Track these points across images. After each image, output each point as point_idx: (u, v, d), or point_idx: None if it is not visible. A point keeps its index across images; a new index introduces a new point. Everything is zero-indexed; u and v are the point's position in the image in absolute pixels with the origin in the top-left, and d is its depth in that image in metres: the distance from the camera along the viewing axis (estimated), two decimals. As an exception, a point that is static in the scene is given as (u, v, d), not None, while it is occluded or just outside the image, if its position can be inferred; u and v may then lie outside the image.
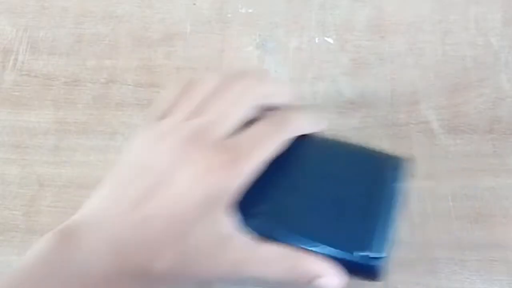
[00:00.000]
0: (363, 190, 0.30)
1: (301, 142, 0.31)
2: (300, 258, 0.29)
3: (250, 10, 0.44)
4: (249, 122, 0.30)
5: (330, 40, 0.42)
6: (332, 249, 0.29)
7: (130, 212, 0.28)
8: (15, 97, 0.41)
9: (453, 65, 0.41)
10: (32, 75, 0.42)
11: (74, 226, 0.28)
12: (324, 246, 0.29)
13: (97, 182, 0.38)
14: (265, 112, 0.32)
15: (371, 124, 0.39)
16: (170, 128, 0.30)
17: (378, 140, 0.38)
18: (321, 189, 0.31)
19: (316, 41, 0.42)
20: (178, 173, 0.28)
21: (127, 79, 0.42)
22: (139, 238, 0.27)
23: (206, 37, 0.43)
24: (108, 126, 0.40)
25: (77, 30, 0.44)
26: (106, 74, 0.42)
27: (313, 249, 0.29)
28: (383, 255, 0.28)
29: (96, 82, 0.42)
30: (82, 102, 0.41)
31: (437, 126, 0.39)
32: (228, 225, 0.29)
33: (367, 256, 0.28)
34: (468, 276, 0.34)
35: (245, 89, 0.32)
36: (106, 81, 0.42)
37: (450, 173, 0.37)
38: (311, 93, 0.40)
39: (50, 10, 0.45)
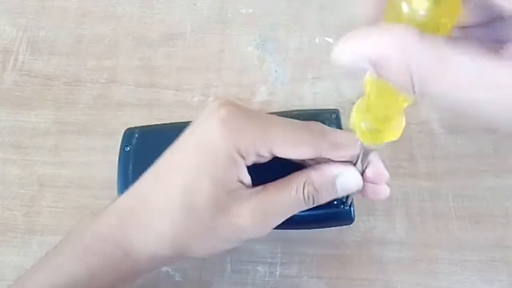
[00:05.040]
0: None
1: None
2: (310, 172, 0.29)
3: (250, 10, 0.44)
4: None
5: (330, 40, 0.42)
6: (312, 209, 0.30)
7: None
8: (15, 97, 0.41)
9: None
10: (32, 75, 0.42)
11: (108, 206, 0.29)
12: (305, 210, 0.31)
13: (97, 182, 0.38)
14: None
15: (371, 124, 0.39)
16: None
17: (378, 140, 0.38)
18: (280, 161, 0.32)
19: (316, 41, 0.42)
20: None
21: (127, 79, 0.42)
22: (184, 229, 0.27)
23: (206, 37, 0.43)
24: (108, 126, 0.40)
25: (77, 30, 0.44)
26: (106, 74, 0.42)
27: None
28: (351, 201, 0.32)
29: (96, 82, 0.42)
30: (82, 102, 0.41)
31: (438, 126, 0.39)
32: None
33: (341, 204, 0.32)
34: (469, 276, 0.34)
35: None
36: (106, 81, 0.42)
37: (450, 173, 0.37)
38: (311, 93, 0.40)
39: (50, 10, 0.45)
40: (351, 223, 0.33)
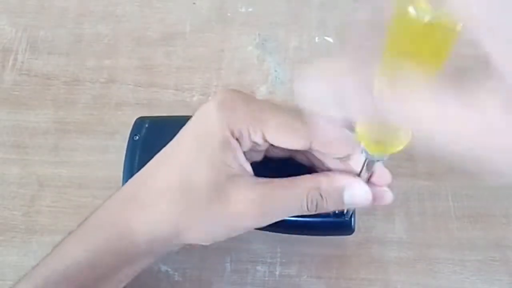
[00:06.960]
0: None
1: None
2: (318, 179, 0.28)
3: (250, 10, 0.44)
4: None
5: (330, 39, 0.42)
6: (313, 217, 0.29)
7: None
8: (14, 97, 0.41)
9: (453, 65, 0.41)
10: (31, 75, 0.42)
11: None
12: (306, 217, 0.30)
13: (97, 182, 0.38)
14: None
15: (371, 124, 0.39)
16: None
17: (378, 140, 0.38)
18: (285, 165, 0.31)
19: (316, 40, 0.42)
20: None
21: (127, 79, 0.42)
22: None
23: (206, 37, 0.43)
24: (108, 126, 0.40)
25: (77, 30, 0.44)
26: (106, 74, 0.42)
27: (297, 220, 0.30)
28: (352, 211, 0.31)
29: (96, 82, 0.42)
30: (82, 102, 0.41)
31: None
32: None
33: (342, 214, 0.31)
34: (468, 276, 0.34)
35: None
36: (106, 81, 0.42)
37: (450, 173, 0.37)
38: (311, 93, 0.40)
39: (50, 10, 0.45)
40: (351, 233, 0.32)
